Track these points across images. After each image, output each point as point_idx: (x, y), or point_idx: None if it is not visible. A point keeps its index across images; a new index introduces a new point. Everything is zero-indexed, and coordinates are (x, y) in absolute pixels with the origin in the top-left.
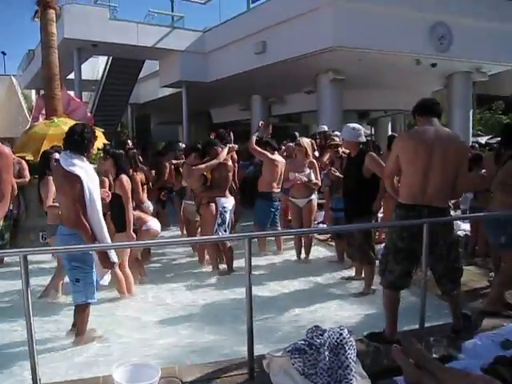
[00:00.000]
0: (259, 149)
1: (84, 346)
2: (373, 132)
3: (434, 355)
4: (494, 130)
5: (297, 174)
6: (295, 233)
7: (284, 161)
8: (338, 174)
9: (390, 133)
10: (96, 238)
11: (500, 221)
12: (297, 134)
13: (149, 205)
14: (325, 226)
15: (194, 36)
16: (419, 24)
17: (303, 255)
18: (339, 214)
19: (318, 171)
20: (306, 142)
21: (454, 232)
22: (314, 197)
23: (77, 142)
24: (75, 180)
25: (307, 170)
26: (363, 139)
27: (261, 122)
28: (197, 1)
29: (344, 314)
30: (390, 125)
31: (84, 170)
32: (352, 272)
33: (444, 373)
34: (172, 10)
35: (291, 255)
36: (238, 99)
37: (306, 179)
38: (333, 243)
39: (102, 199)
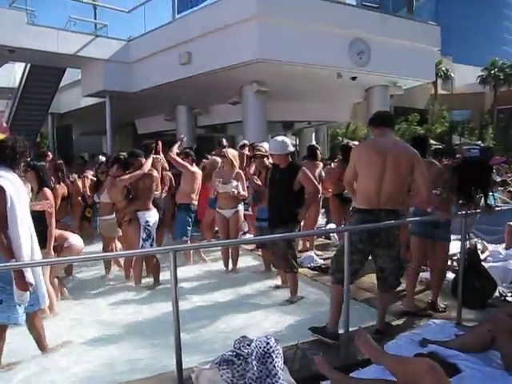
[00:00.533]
0: (179, 159)
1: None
2: (297, 142)
3: (359, 357)
4: (410, 139)
5: (220, 184)
6: (221, 244)
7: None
8: (259, 183)
9: (314, 143)
10: (13, 256)
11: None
12: (224, 140)
13: (68, 220)
14: (251, 235)
15: (118, 45)
16: (340, 39)
17: (231, 266)
18: (263, 224)
19: (244, 182)
20: (231, 153)
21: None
22: (241, 207)
23: (6, 155)
24: None
25: (234, 182)
26: (292, 149)
27: (182, 136)
28: (120, 9)
29: (272, 322)
30: (313, 135)
31: (10, 182)
32: (278, 281)
33: (388, 360)
34: (95, 18)
35: (219, 266)
36: (164, 110)
37: (235, 191)
38: (259, 252)
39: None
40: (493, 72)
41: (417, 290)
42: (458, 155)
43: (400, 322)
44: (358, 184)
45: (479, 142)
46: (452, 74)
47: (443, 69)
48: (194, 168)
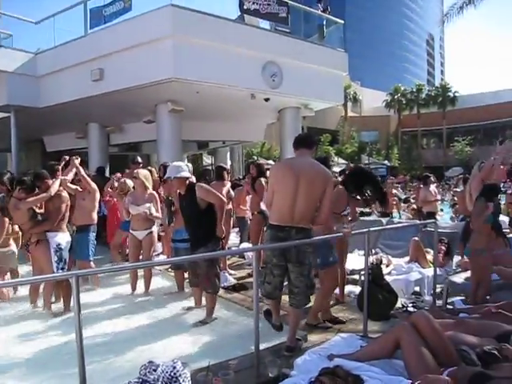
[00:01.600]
0: (86, 178)
1: None
2: (213, 161)
3: (271, 375)
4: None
5: (132, 206)
6: (130, 267)
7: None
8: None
9: (229, 162)
10: None
11: (318, 244)
12: (139, 158)
13: None
14: (164, 257)
15: (25, 57)
16: (254, 61)
17: (142, 288)
18: (179, 245)
19: (158, 203)
20: (142, 174)
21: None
22: (155, 229)
23: None
24: None
25: (147, 204)
26: (187, 175)
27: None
28: (28, 19)
29: (185, 345)
30: (228, 154)
31: None
32: (191, 302)
33: None
34: None
35: (128, 289)
36: (74, 127)
37: (147, 212)
38: (172, 273)
39: None
40: (396, 97)
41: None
42: None
43: (310, 337)
44: (273, 201)
45: (386, 162)
46: (360, 98)
47: (352, 92)
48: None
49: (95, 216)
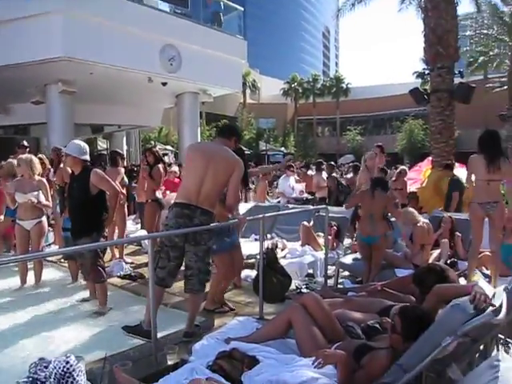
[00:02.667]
0: None
1: None
2: (108, 146)
3: (170, 362)
4: None
5: (18, 193)
6: (15, 260)
7: None
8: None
9: (125, 147)
10: None
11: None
12: (25, 142)
13: None
14: (56, 247)
15: None
16: (151, 44)
17: (32, 281)
18: (68, 234)
19: (48, 191)
20: (25, 159)
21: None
22: (44, 218)
23: None
24: None
25: (35, 191)
26: (87, 158)
27: None
28: None
29: (81, 337)
30: (124, 139)
31: None
32: (86, 293)
33: None
34: None
35: (16, 283)
36: None
37: (35, 200)
38: (65, 264)
39: None
40: (293, 86)
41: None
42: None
43: (208, 322)
44: (182, 180)
45: (282, 149)
46: (259, 85)
47: (251, 80)
48: None
49: None
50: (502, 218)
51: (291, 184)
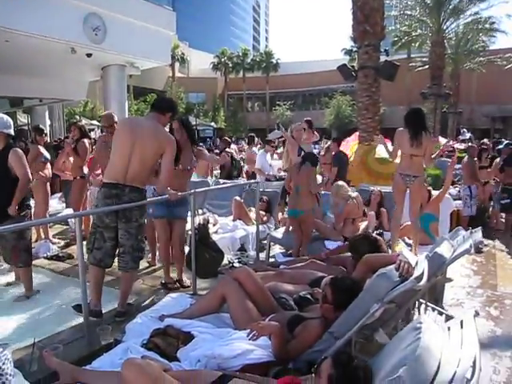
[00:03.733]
0: None
1: None
2: (29, 121)
3: (103, 342)
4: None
5: None
6: None
7: None
8: None
9: (48, 122)
10: None
11: None
12: None
13: None
14: None
15: None
16: (73, 12)
17: None
18: None
19: None
20: None
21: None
22: None
23: None
24: None
25: None
26: (10, 132)
27: None
28: None
29: (7, 324)
30: (47, 113)
31: None
32: (12, 277)
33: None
34: None
35: None
36: None
37: None
38: None
39: None
40: (223, 60)
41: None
42: None
43: (141, 300)
44: (110, 160)
45: (212, 124)
46: (188, 59)
47: (180, 53)
48: None
49: None
50: (419, 192)
51: (269, 161)
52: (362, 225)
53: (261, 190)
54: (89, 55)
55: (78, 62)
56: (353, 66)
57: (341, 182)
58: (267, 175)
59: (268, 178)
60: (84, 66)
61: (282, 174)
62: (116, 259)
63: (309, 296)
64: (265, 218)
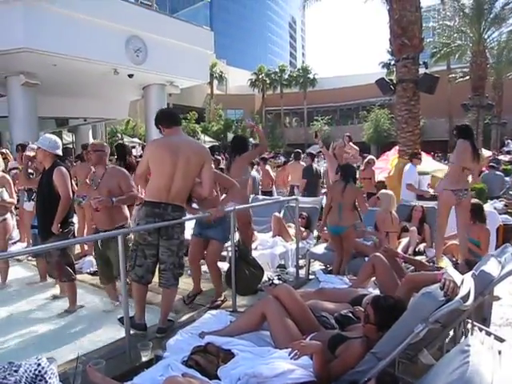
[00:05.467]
0: None
1: None
2: (73, 139)
3: (144, 358)
4: (189, 135)
5: None
6: None
7: None
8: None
9: (91, 140)
10: None
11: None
12: None
13: None
14: (24, 244)
15: None
16: (116, 35)
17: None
18: (35, 231)
19: (12, 187)
20: None
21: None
22: (9, 215)
23: None
24: None
25: None
26: (58, 153)
27: None
28: None
29: (51, 337)
30: (90, 132)
31: None
32: (56, 290)
33: None
34: None
35: None
36: None
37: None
38: (34, 262)
39: None
40: (260, 77)
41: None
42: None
43: (182, 317)
44: (151, 179)
45: (251, 140)
46: (226, 76)
47: (218, 71)
48: None
49: None
50: (469, 206)
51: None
52: (403, 241)
53: (300, 205)
54: (130, 76)
55: (120, 83)
56: (391, 80)
57: (390, 191)
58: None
59: None
60: (126, 86)
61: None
62: (157, 276)
63: (350, 315)
64: (304, 234)
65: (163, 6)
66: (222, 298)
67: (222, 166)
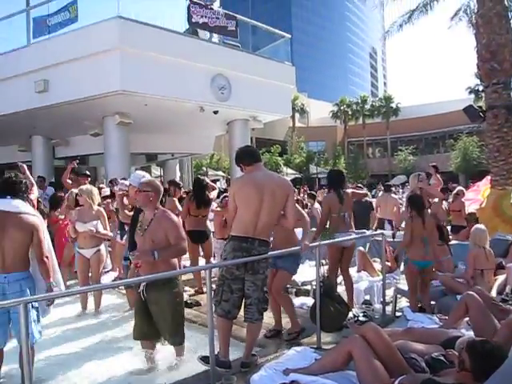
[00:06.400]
0: None
1: None
2: (161, 173)
3: None
4: (272, 170)
5: (79, 223)
6: (77, 292)
7: None
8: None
9: (178, 173)
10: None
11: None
12: (87, 171)
13: None
14: (115, 274)
15: None
16: (202, 74)
17: (92, 306)
18: (127, 263)
19: (106, 220)
20: (86, 190)
21: (268, 265)
22: (103, 247)
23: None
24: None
25: (94, 221)
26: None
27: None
28: None
29: (139, 365)
30: (177, 166)
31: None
32: None
33: None
34: None
35: (78, 308)
36: (17, 139)
37: (94, 230)
38: (123, 291)
39: None
40: (342, 108)
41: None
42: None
43: (265, 352)
44: (237, 214)
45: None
46: (307, 109)
47: (299, 104)
48: None
49: None
50: None
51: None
52: (499, 279)
53: (386, 240)
54: (215, 112)
55: (205, 119)
56: (480, 107)
57: (483, 226)
58: None
59: None
60: (211, 122)
61: None
62: (242, 310)
63: (442, 358)
64: (391, 267)
65: (246, 44)
66: (298, 330)
67: (299, 197)
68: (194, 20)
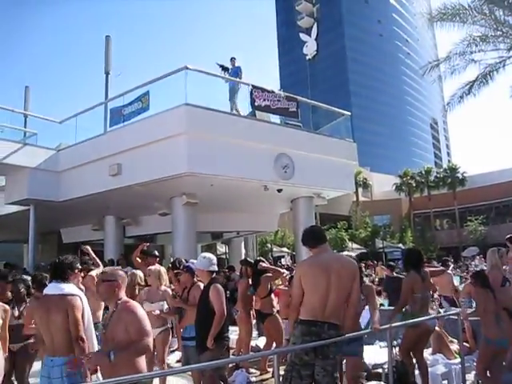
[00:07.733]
0: None
1: None
2: (227, 250)
3: None
4: (337, 245)
5: (145, 303)
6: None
7: None
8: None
9: (243, 250)
10: None
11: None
12: (156, 252)
13: None
14: (180, 353)
15: (46, 153)
16: (265, 154)
17: None
18: (188, 343)
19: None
20: (155, 271)
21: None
22: (168, 326)
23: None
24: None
25: (161, 301)
26: (214, 268)
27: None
28: (52, 119)
29: None
30: (242, 244)
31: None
32: None
33: None
34: (25, 126)
35: None
36: (91, 219)
37: (158, 311)
38: (189, 373)
39: None
40: (405, 180)
41: None
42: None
43: None
44: (305, 298)
45: (400, 245)
46: (370, 183)
47: (362, 178)
48: None
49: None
50: None
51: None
52: None
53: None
54: (279, 190)
55: (269, 197)
56: None
57: None
58: None
59: None
60: (275, 200)
61: None
62: None
63: None
64: (471, 349)
65: (307, 123)
66: None
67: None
68: (256, 103)
